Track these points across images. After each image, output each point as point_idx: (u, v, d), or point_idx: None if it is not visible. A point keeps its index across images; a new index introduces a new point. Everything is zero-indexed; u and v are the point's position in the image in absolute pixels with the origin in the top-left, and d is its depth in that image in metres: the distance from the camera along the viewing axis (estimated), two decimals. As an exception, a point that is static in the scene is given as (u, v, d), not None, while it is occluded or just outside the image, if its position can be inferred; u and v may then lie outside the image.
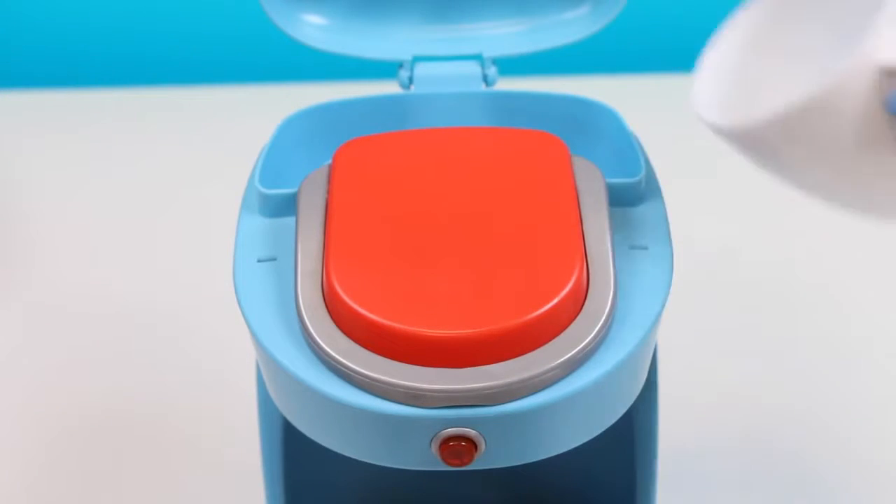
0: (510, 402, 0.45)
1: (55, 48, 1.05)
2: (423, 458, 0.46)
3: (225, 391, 0.75)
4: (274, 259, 0.51)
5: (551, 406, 0.45)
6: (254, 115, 0.76)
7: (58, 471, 0.71)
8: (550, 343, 0.46)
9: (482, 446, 0.46)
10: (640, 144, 0.55)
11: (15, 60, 1.06)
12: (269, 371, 0.49)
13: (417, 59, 0.59)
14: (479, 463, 0.46)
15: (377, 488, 0.63)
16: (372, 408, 0.45)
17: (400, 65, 0.60)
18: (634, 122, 0.57)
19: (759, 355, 0.77)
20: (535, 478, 0.63)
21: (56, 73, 1.06)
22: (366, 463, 0.48)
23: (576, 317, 0.46)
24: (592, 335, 0.46)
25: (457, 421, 0.45)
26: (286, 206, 0.52)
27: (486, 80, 0.59)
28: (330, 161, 0.53)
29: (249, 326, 0.49)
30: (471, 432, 0.45)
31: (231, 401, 0.74)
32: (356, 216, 0.50)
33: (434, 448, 0.46)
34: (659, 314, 0.48)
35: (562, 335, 0.46)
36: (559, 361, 0.45)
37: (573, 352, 0.46)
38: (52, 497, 0.70)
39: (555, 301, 0.46)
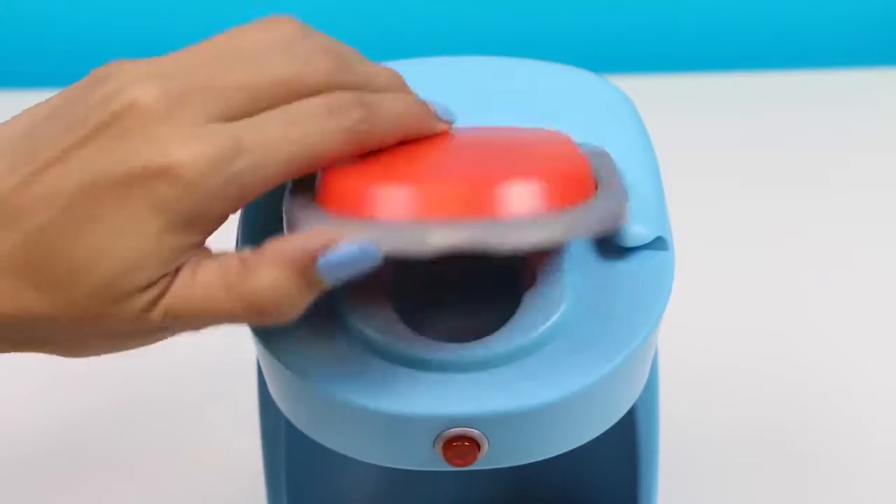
0: (513, 401, 0.45)
1: (55, 48, 1.06)
2: (426, 459, 0.46)
3: (226, 391, 0.75)
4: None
5: (554, 406, 0.45)
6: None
7: (57, 469, 0.71)
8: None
9: (485, 446, 0.46)
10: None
11: (15, 60, 1.06)
12: (271, 371, 0.49)
13: None
14: (483, 463, 0.46)
15: (379, 489, 0.63)
16: (374, 408, 0.45)
17: None
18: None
19: (762, 353, 0.77)
20: (537, 477, 0.63)
21: (56, 73, 1.06)
22: (368, 463, 0.48)
23: (586, 197, 0.44)
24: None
25: (460, 421, 0.45)
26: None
27: None
28: None
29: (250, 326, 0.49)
30: (474, 432, 0.45)
31: (232, 401, 0.74)
32: (351, 168, 0.47)
33: (437, 448, 0.46)
34: (660, 314, 0.48)
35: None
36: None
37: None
38: (52, 495, 0.70)
39: (559, 166, 0.44)
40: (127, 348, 0.45)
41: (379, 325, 0.47)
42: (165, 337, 0.44)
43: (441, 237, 0.42)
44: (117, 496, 0.70)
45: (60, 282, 0.41)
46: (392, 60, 0.58)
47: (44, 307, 0.42)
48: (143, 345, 0.45)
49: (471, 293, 0.51)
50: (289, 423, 0.57)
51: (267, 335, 0.48)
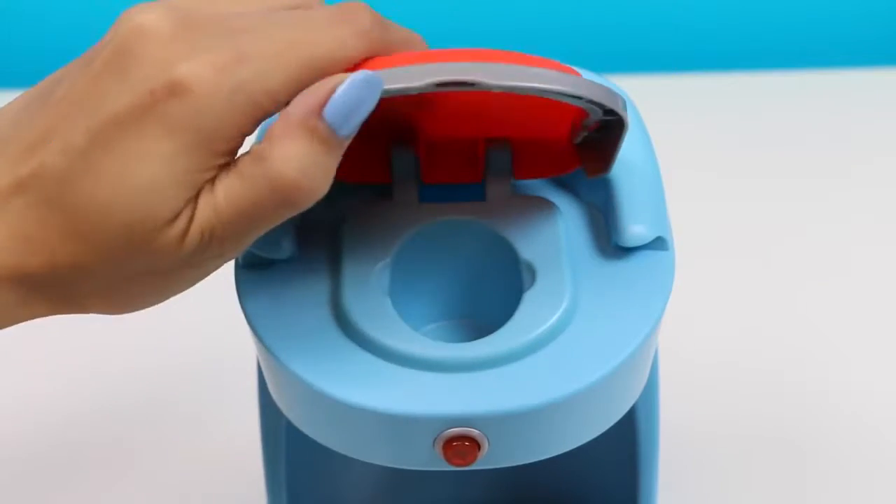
0: (513, 401, 0.45)
1: (55, 48, 1.05)
2: (426, 459, 0.46)
3: (226, 391, 0.75)
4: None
5: (554, 405, 0.45)
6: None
7: (57, 469, 0.71)
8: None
9: (485, 446, 0.46)
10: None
11: (15, 60, 1.06)
12: (271, 370, 0.49)
13: None
14: (483, 463, 0.46)
15: (379, 489, 0.63)
16: (374, 408, 0.45)
17: None
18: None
19: (762, 353, 0.77)
20: (537, 477, 0.63)
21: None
22: (368, 463, 0.48)
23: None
24: None
25: (460, 421, 0.45)
26: None
27: None
28: None
29: (250, 324, 0.49)
30: (474, 432, 0.45)
31: (232, 401, 0.74)
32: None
33: (437, 448, 0.46)
34: (660, 314, 0.48)
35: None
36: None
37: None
38: (52, 495, 0.70)
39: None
40: (177, 288, 0.44)
41: (379, 325, 0.47)
42: (214, 265, 0.43)
43: (440, 71, 0.42)
44: (117, 496, 0.70)
45: (87, 226, 0.41)
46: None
47: (75, 255, 0.41)
48: (192, 281, 0.44)
49: (471, 292, 0.51)
50: (289, 423, 0.57)
51: (268, 335, 0.48)
